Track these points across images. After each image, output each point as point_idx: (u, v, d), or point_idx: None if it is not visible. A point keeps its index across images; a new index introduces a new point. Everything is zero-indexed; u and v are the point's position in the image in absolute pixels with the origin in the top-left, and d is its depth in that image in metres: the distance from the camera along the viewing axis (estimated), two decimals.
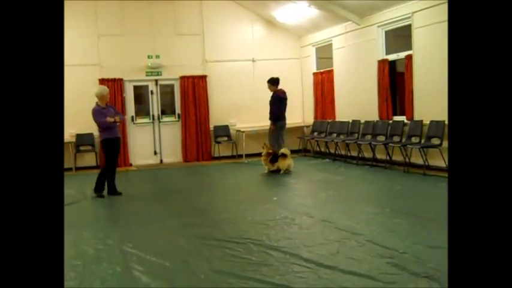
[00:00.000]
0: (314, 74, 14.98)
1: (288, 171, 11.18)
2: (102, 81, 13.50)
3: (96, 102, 9.15)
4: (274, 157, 11.35)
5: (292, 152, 14.71)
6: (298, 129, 15.26)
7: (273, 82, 11.84)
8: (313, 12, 13.00)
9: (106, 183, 9.29)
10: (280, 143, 11.69)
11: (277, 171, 11.18)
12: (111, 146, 9.17)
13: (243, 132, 14.40)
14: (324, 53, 14.64)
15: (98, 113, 9.02)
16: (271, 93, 11.83)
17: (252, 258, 5.01)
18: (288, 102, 15.29)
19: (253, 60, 15.07)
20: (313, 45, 14.97)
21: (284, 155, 11.27)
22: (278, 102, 11.67)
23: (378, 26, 11.75)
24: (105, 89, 9.52)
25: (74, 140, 13.41)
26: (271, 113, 11.78)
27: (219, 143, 14.64)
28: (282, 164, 11.21)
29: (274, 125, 11.76)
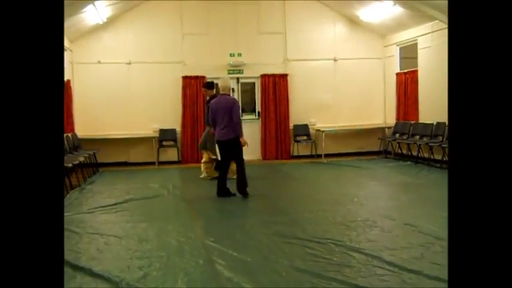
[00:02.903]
0: (397, 74, 14.61)
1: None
2: (185, 78, 13.92)
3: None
4: (219, 164, 9.91)
5: (372, 153, 14.56)
6: (379, 130, 14.98)
7: (211, 86, 10.89)
8: (398, 11, 12.71)
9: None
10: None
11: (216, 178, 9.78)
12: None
13: (323, 131, 14.30)
14: (408, 52, 14.25)
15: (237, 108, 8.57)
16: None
17: (333, 259, 4.97)
18: (370, 102, 15.22)
19: (335, 60, 14.93)
20: (397, 45, 14.62)
21: None
22: None
23: None
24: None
25: (157, 135, 13.81)
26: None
27: (298, 142, 14.62)
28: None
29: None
